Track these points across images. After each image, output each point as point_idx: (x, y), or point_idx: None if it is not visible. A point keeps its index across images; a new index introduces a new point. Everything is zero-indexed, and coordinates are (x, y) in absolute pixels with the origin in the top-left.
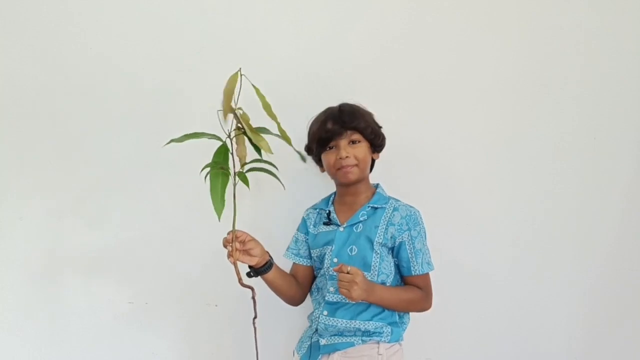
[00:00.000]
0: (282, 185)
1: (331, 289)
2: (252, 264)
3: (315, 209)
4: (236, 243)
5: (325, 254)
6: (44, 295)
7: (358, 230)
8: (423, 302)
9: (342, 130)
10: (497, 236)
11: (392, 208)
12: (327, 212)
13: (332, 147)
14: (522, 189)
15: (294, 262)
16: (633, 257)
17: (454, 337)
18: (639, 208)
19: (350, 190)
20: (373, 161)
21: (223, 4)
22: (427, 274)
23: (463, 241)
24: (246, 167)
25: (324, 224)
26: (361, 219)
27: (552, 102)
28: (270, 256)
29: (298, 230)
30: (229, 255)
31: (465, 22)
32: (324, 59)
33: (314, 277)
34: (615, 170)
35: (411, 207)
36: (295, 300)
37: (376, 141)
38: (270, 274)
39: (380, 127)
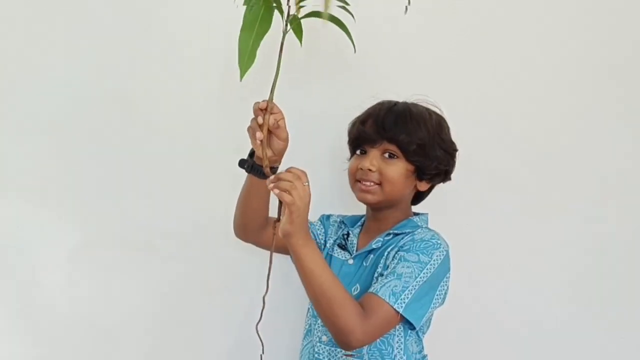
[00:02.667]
0: (354, 45)
1: (324, 337)
2: (266, 160)
3: (342, 221)
4: (270, 117)
5: None
6: (40, 297)
7: (367, 263)
8: (351, 318)
9: (378, 136)
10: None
11: (413, 233)
12: (346, 233)
13: (364, 152)
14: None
15: None
16: None
17: None
18: None
19: (376, 215)
20: (421, 192)
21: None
22: (384, 304)
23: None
24: (303, 12)
25: (339, 245)
26: (374, 246)
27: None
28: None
29: (319, 220)
30: (255, 128)
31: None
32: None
33: (286, 250)
34: None
35: (441, 239)
36: (249, 226)
37: (424, 166)
38: (265, 182)
39: (451, 151)
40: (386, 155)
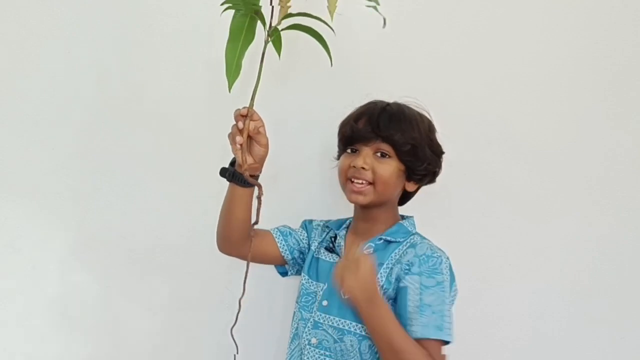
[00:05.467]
0: (330, 59)
1: (313, 340)
2: (245, 164)
3: (326, 225)
4: (250, 122)
5: (316, 292)
6: (39, 297)
7: None
8: None
9: (372, 135)
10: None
11: (409, 244)
12: (334, 235)
13: (355, 151)
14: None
15: (271, 233)
16: None
17: None
18: None
19: (366, 216)
20: (408, 193)
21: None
22: (435, 342)
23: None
24: (284, 23)
25: (326, 249)
26: (365, 252)
27: None
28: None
29: (301, 226)
30: (235, 134)
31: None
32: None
33: (268, 260)
34: None
35: (438, 249)
36: (232, 238)
37: (415, 166)
38: (247, 191)
39: (438, 153)
40: (378, 154)
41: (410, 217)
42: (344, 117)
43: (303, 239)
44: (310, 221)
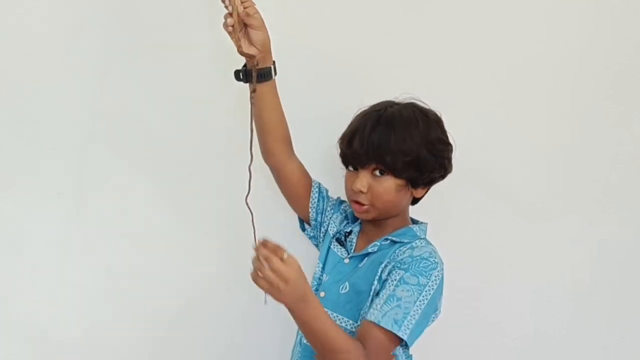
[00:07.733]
0: None
1: (304, 340)
2: (251, 52)
3: (345, 210)
4: (239, 6)
5: (322, 281)
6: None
7: (361, 265)
8: None
9: (364, 158)
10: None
11: (412, 246)
12: (349, 231)
13: (355, 169)
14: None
15: (313, 182)
16: None
17: None
18: None
19: (375, 222)
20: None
21: None
22: (386, 334)
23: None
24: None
25: (338, 240)
26: (370, 250)
27: None
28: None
29: (335, 200)
30: (227, 17)
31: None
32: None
33: (293, 196)
34: None
35: (435, 254)
36: (270, 147)
37: (416, 177)
38: (267, 87)
39: (445, 154)
40: (377, 172)
41: (424, 223)
42: (345, 116)
43: (329, 209)
44: (341, 202)
